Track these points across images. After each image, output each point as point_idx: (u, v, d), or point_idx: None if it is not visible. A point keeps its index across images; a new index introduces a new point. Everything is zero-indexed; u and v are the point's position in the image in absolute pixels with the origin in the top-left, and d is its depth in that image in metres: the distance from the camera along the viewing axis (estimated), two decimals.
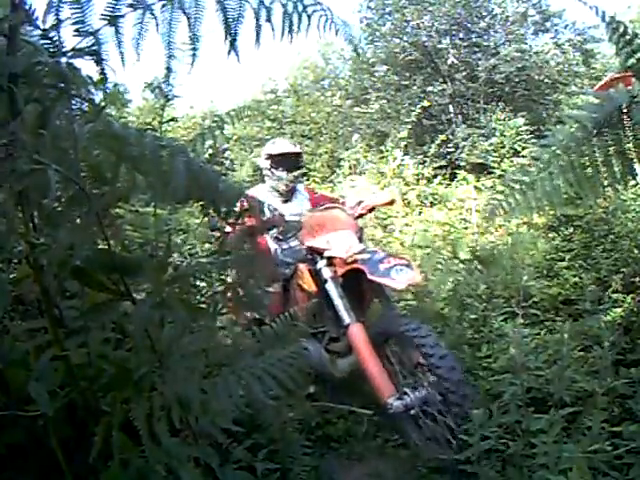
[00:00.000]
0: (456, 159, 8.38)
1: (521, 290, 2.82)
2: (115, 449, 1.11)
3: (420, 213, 5.63)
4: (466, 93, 9.55)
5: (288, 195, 2.95)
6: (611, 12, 1.40)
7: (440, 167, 7.41)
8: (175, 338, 1.19)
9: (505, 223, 4.30)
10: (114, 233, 1.13)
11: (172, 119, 2.72)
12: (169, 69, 1.17)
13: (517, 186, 1.35)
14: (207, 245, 3.31)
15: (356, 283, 2.37)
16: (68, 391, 1.16)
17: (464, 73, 9.46)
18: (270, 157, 2.91)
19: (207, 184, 1.22)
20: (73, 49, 1.07)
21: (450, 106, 9.63)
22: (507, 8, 9.82)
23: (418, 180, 6.38)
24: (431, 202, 6.08)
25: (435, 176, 6.71)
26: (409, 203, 5.78)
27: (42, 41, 1.07)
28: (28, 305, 1.53)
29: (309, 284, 2.51)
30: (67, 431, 1.19)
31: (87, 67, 1.13)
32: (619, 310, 2.57)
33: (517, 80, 9.38)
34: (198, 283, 1.57)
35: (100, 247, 1.13)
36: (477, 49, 9.77)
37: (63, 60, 1.06)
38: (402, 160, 6.55)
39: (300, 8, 1.16)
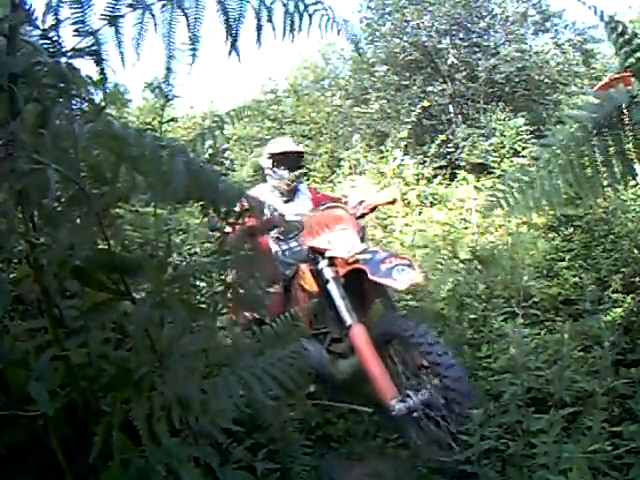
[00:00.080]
0: (456, 159, 8.38)
1: (521, 290, 2.82)
2: (115, 449, 1.11)
3: (420, 213, 5.62)
4: (466, 93, 9.55)
5: (290, 195, 2.93)
6: (611, 12, 1.40)
7: (440, 167, 7.41)
8: (175, 338, 1.19)
9: (505, 223, 4.31)
10: (114, 233, 1.13)
11: (172, 119, 2.72)
12: (169, 69, 1.17)
13: (516, 185, 1.35)
14: (207, 245, 3.31)
15: (358, 283, 2.35)
16: (68, 391, 1.16)
17: (464, 73, 9.46)
18: (272, 156, 2.89)
19: (207, 184, 1.22)
20: (73, 49, 1.07)
21: (450, 106, 9.64)
22: (507, 8, 9.82)
23: (418, 180, 6.38)
24: (431, 202, 6.08)
25: (435, 176, 6.71)
26: (409, 203, 5.78)
27: (42, 41, 1.07)
28: (28, 305, 1.52)
29: (310, 284, 2.49)
30: (67, 431, 1.19)
31: (87, 67, 1.13)
32: (619, 310, 2.57)
33: (517, 80, 9.39)
34: (198, 283, 1.57)
35: (100, 247, 1.13)
36: (477, 49, 9.77)
37: (63, 60, 1.06)
38: (402, 160, 6.54)
39: (301, 8, 1.16)
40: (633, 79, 1.40)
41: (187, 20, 1.09)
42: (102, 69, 1.10)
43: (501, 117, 7.07)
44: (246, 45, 1.17)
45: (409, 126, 7.55)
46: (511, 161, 5.62)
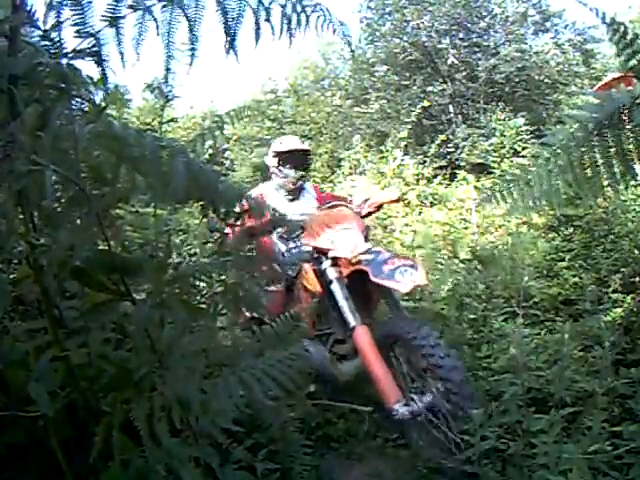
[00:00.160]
0: (456, 159, 8.39)
1: (521, 290, 2.82)
2: (116, 449, 1.11)
3: (420, 213, 5.63)
4: (466, 93, 9.55)
5: (295, 193, 2.90)
6: (611, 12, 1.41)
7: (440, 167, 7.41)
8: (175, 338, 1.19)
9: (505, 223, 4.31)
10: (114, 234, 1.14)
11: (172, 119, 2.73)
12: (168, 69, 1.17)
13: (516, 183, 1.35)
14: (207, 245, 3.31)
15: (362, 284, 2.29)
16: (69, 391, 1.16)
17: (464, 73, 9.46)
18: (278, 154, 2.86)
19: (207, 184, 1.22)
20: (74, 50, 1.07)
21: (450, 106, 9.64)
22: (507, 8, 9.83)
23: (418, 180, 6.38)
24: (431, 202, 6.08)
25: (435, 176, 6.71)
26: (409, 203, 5.77)
27: (43, 42, 1.07)
28: (28, 305, 1.53)
29: (314, 284, 2.46)
30: (67, 431, 1.19)
31: (87, 68, 1.13)
32: (619, 310, 2.57)
33: (517, 80, 9.39)
34: (198, 283, 1.57)
35: (100, 248, 1.13)
36: (477, 49, 9.78)
37: (64, 61, 1.06)
38: (402, 160, 6.55)
39: (299, 9, 1.16)
40: (634, 80, 1.40)
41: (188, 21, 1.09)
42: (103, 70, 1.10)
43: (501, 117, 7.08)
44: (246, 45, 1.17)
45: (409, 126, 7.56)
46: (511, 161, 5.63)
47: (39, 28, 1.07)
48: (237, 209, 1.38)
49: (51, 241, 1.08)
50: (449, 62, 9.51)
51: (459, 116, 9.54)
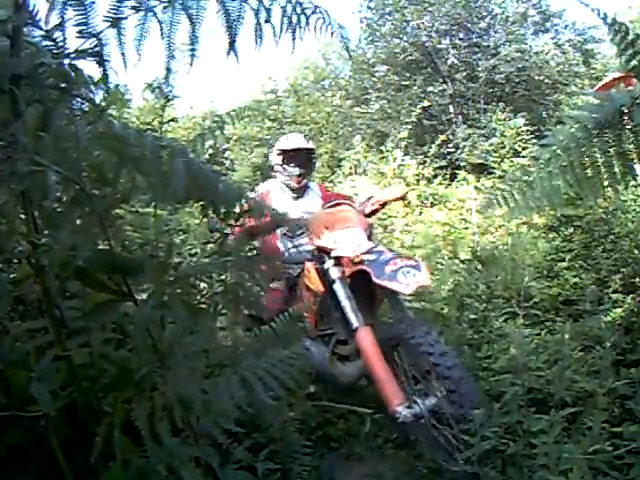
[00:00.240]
0: (456, 159, 8.40)
1: (522, 290, 2.82)
2: (117, 449, 1.11)
3: (420, 213, 5.63)
4: (466, 93, 9.56)
5: (300, 192, 2.88)
6: (611, 12, 1.41)
7: (440, 167, 7.42)
8: (176, 338, 1.19)
9: (505, 223, 4.31)
10: (114, 233, 1.14)
11: (172, 119, 2.72)
12: (169, 69, 1.17)
13: (517, 185, 1.35)
14: (208, 245, 3.31)
15: (365, 283, 2.22)
16: (70, 391, 1.16)
17: (464, 73, 9.48)
18: (282, 152, 2.84)
19: (207, 184, 1.22)
20: (76, 50, 1.07)
21: (450, 106, 9.65)
22: (507, 8, 9.85)
23: (418, 180, 6.39)
24: (431, 202, 6.09)
25: (435, 176, 6.72)
26: (409, 203, 5.78)
27: (45, 42, 1.07)
28: (29, 305, 1.53)
29: (316, 284, 2.42)
30: (68, 431, 1.19)
31: (87, 68, 1.13)
32: (619, 310, 2.57)
33: (517, 80, 9.41)
34: (199, 283, 1.57)
35: (101, 247, 1.13)
36: (477, 49, 9.79)
37: (66, 61, 1.06)
38: (402, 160, 6.55)
39: (298, 10, 1.16)
40: (635, 80, 1.40)
41: (190, 21, 1.09)
42: (104, 70, 1.10)
43: (501, 117, 7.07)
44: (246, 45, 1.17)
45: (409, 126, 7.57)
46: (511, 161, 5.62)
47: (41, 28, 1.07)
48: (237, 209, 1.38)
49: (52, 241, 1.08)
50: (449, 62, 9.53)
51: (459, 116, 9.55)
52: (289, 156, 2.82)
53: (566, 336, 2.11)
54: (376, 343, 2.11)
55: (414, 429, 2.00)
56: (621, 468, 1.56)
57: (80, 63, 1.09)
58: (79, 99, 1.10)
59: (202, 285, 1.62)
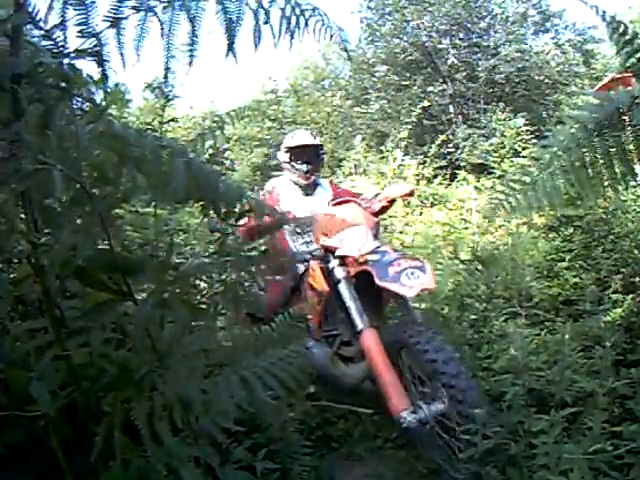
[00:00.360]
0: (456, 159, 8.41)
1: (522, 290, 2.82)
2: (117, 449, 1.11)
3: (420, 213, 5.63)
4: (466, 93, 9.57)
5: (309, 188, 2.84)
6: (611, 12, 1.41)
7: (440, 167, 7.43)
8: (176, 338, 1.19)
9: (505, 223, 4.31)
10: (114, 233, 1.14)
11: (172, 119, 2.72)
12: (168, 69, 1.17)
13: (517, 186, 1.35)
14: (207, 245, 3.31)
15: (371, 284, 2.13)
16: (70, 391, 1.16)
17: (464, 73, 9.48)
18: (289, 150, 2.81)
19: (207, 184, 1.22)
20: (76, 50, 1.07)
21: (450, 106, 9.66)
22: (507, 8, 9.87)
23: (418, 180, 6.39)
24: (431, 202, 6.09)
25: (435, 176, 6.72)
26: (409, 203, 5.78)
27: (45, 42, 1.07)
28: (29, 305, 1.52)
29: (320, 284, 2.37)
30: (67, 431, 1.19)
31: (88, 67, 1.13)
32: (619, 310, 2.57)
33: (517, 80, 9.41)
34: (198, 283, 1.57)
35: (102, 247, 1.13)
36: (477, 49, 9.80)
37: (65, 61, 1.06)
38: (402, 160, 6.55)
39: (297, 12, 1.16)
40: (634, 80, 1.40)
41: (190, 22, 1.09)
42: (104, 70, 1.10)
43: (501, 117, 7.08)
44: (246, 45, 1.17)
45: (409, 126, 7.58)
46: (511, 161, 5.63)
47: (41, 28, 1.07)
48: (237, 209, 1.38)
49: (53, 241, 1.08)
50: (449, 62, 9.53)
51: (459, 116, 9.56)
52: (296, 153, 2.79)
53: (566, 336, 2.10)
54: (381, 346, 2.06)
55: (418, 434, 1.95)
56: (621, 468, 1.56)
57: (80, 63, 1.10)
58: (79, 99, 1.10)
59: (202, 285, 1.62)
